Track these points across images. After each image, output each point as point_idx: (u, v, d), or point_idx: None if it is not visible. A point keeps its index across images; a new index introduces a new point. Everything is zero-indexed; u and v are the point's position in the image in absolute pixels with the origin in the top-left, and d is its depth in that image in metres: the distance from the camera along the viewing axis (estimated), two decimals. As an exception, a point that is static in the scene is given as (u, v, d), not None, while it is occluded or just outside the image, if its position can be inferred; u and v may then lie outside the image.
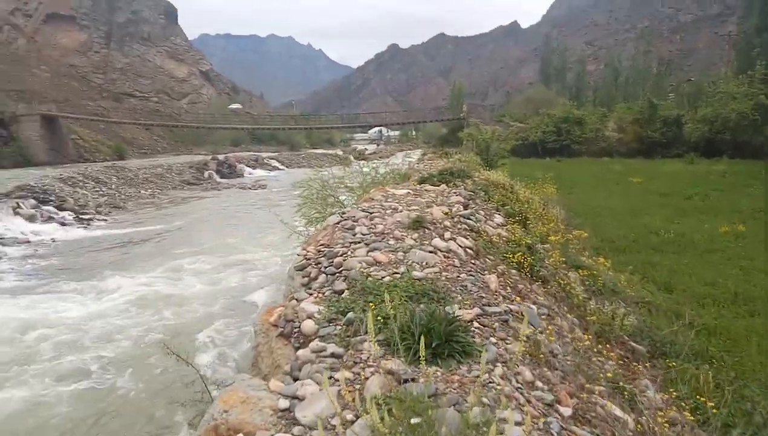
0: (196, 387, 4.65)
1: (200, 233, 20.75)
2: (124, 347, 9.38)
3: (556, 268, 6.62)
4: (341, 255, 4.64)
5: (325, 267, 4.48)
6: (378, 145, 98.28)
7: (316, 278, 4.42)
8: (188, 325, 10.33)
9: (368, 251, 4.66)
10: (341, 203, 13.20)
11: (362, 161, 52.93)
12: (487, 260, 5.43)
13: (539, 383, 2.91)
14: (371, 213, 6.22)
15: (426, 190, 8.33)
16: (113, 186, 34.53)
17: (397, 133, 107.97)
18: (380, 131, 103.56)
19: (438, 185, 8.98)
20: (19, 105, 49.53)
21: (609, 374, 3.82)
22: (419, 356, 2.23)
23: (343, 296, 3.79)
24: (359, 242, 4.94)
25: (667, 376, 4.71)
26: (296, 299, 3.95)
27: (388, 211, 6.38)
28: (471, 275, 4.47)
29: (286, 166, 58.99)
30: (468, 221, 6.56)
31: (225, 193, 37.51)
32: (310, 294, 4.05)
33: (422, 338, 2.26)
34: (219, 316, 10.86)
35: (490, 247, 5.75)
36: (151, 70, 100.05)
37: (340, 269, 4.37)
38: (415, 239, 5.14)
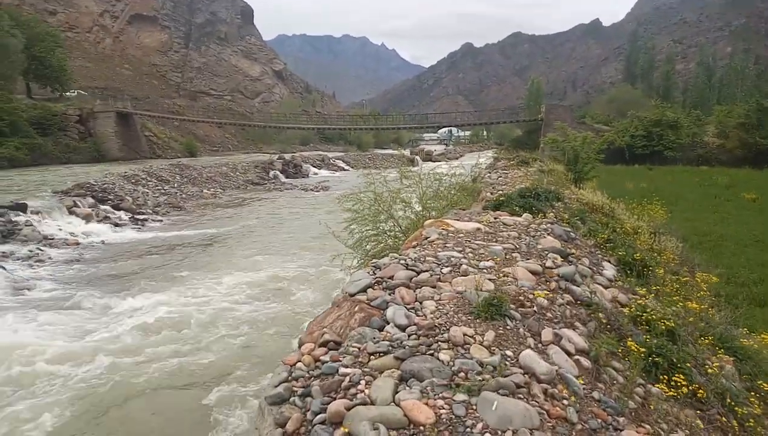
0: None
1: (243, 244, 19.29)
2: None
3: (709, 367, 4.14)
4: (346, 390, 2.48)
5: (315, 414, 2.35)
6: (447, 145, 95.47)
7: (296, 433, 2.29)
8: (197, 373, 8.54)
9: (398, 385, 2.48)
10: (396, 221, 11.12)
11: (429, 163, 50.80)
12: (612, 375, 3.10)
13: None
14: (418, 272, 3.99)
15: (504, 223, 6.00)
16: (175, 184, 34.11)
17: (467, 133, 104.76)
18: (450, 131, 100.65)
19: (519, 214, 6.62)
20: (97, 102, 50.90)
21: None
22: None
23: None
24: (385, 353, 2.75)
25: None
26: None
27: (445, 269, 4.13)
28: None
29: (352, 167, 57.49)
30: (573, 286, 4.20)
31: (286, 194, 36.29)
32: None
33: None
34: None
35: (614, 344, 3.39)
36: (225, 69, 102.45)
37: (338, 424, 2.23)
38: (489, 346, 2.89)
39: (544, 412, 2.37)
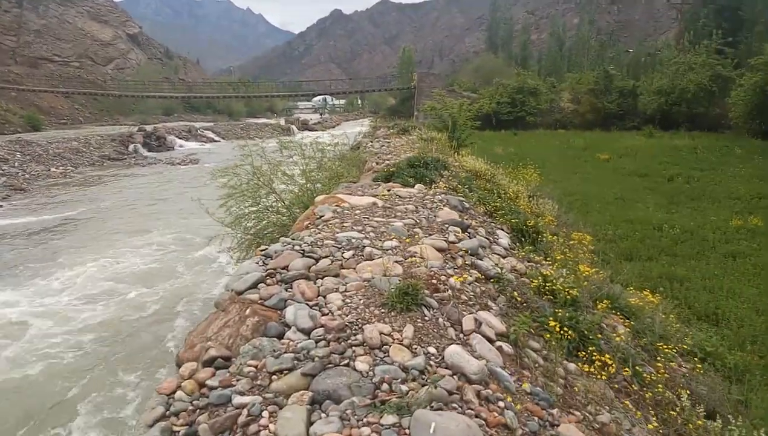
0: None
1: (98, 228, 17.32)
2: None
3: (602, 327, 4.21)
4: (244, 428, 1.94)
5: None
6: (322, 114, 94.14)
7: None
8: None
9: (311, 413, 1.99)
10: (278, 196, 10.43)
11: (306, 132, 49.67)
12: (533, 357, 2.89)
13: None
14: (317, 260, 3.50)
15: (398, 195, 5.66)
16: (16, 164, 29.88)
17: (342, 102, 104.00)
18: (324, 100, 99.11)
19: (412, 185, 6.33)
20: None
21: None
22: None
23: None
24: (290, 370, 2.23)
25: None
26: None
27: (346, 253, 3.67)
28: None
29: (223, 138, 54.39)
30: (479, 261, 3.97)
31: (149, 169, 33.37)
32: None
33: None
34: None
35: (528, 323, 3.19)
36: (71, 32, 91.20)
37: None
38: (410, 345, 2.51)
39: (483, 422, 2.04)
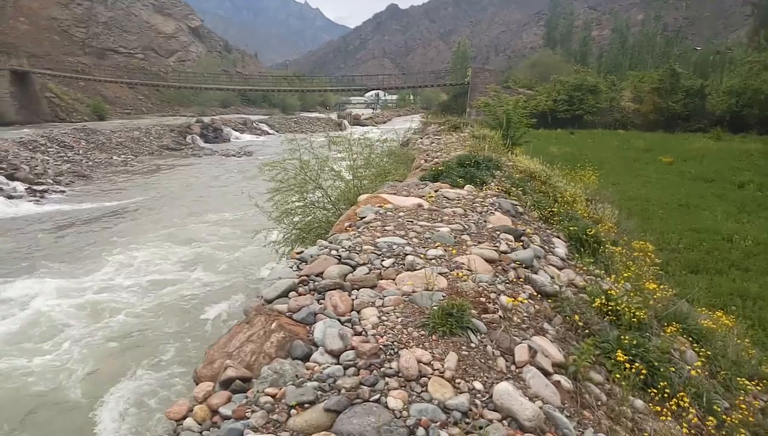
0: None
1: (156, 218, 17.69)
2: None
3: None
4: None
5: None
6: (374, 109, 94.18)
7: None
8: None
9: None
10: (324, 191, 10.25)
11: (357, 127, 49.78)
12: (594, 393, 2.50)
13: None
14: (354, 267, 3.20)
15: (446, 197, 5.30)
16: (81, 151, 31.12)
17: (394, 97, 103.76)
18: (377, 95, 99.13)
19: (461, 186, 5.95)
20: (-14, 59, 45.52)
21: None
22: None
23: None
24: (312, 403, 1.95)
25: None
26: None
27: (386, 260, 3.36)
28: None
29: (277, 131, 55.16)
30: (533, 275, 3.58)
31: (205, 160, 34.14)
32: None
33: None
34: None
35: (591, 351, 2.79)
36: (136, 24, 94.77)
37: None
38: (453, 378, 2.18)
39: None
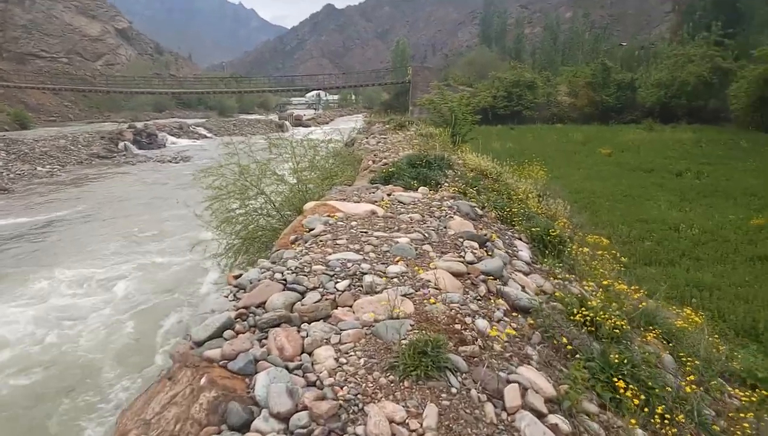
0: None
1: (86, 232, 16.44)
2: None
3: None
4: None
5: None
6: (316, 110, 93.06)
7: None
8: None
9: None
10: (267, 197, 9.65)
11: (300, 128, 48.90)
12: (592, 429, 2.13)
13: None
14: (303, 293, 2.70)
15: (401, 201, 4.88)
16: (0, 163, 28.86)
17: (336, 97, 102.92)
18: (318, 95, 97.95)
19: (415, 188, 5.54)
20: None
21: None
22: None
23: None
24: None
25: None
26: None
27: (340, 283, 2.88)
28: None
29: (215, 134, 53.30)
30: (505, 288, 3.19)
31: (139, 168, 32.43)
32: None
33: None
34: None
35: (584, 379, 2.42)
36: (58, 27, 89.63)
37: None
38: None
39: None
